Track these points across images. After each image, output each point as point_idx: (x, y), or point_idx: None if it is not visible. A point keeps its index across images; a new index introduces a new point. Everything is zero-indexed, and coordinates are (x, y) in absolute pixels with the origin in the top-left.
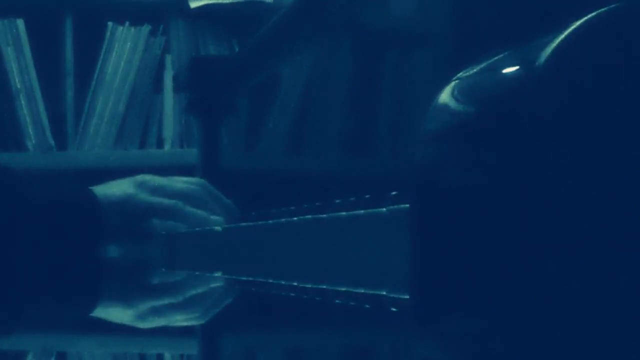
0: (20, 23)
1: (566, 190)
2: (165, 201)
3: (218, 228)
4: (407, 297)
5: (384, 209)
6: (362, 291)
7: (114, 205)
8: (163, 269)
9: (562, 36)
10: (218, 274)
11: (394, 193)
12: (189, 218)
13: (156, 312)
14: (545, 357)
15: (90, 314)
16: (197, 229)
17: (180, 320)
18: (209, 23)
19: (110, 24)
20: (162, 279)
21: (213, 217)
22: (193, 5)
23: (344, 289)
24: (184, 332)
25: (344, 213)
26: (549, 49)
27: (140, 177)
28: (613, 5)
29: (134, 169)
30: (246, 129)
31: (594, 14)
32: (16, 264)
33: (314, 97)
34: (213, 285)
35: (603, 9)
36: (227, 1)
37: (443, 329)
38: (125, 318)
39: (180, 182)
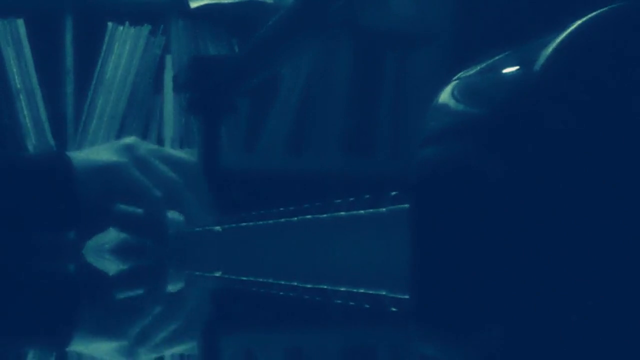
0: (20, 23)
1: (566, 190)
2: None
3: (218, 228)
4: (407, 297)
5: (384, 209)
6: (362, 291)
7: (93, 173)
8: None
9: (562, 36)
10: (218, 274)
11: (394, 193)
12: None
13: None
14: (545, 355)
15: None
16: (197, 229)
17: None
18: (209, 23)
19: (110, 24)
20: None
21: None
22: (193, 5)
23: (344, 289)
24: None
25: (344, 213)
26: (549, 49)
27: (129, 141)
28: (613, 5)
29: None
30: (246, 129)
31: (593, 14)
32: None
33: (314, 97)
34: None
35: (603, 9)
36: (227, 1)
37: (443, 328)
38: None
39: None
